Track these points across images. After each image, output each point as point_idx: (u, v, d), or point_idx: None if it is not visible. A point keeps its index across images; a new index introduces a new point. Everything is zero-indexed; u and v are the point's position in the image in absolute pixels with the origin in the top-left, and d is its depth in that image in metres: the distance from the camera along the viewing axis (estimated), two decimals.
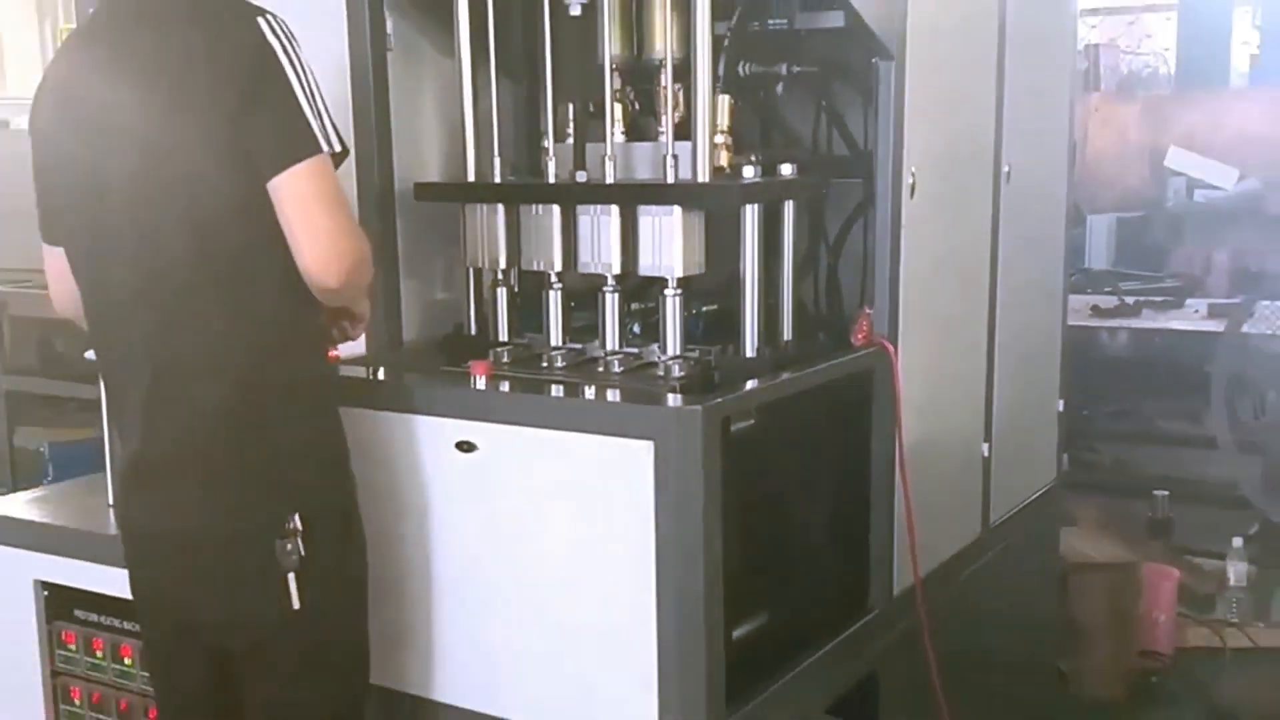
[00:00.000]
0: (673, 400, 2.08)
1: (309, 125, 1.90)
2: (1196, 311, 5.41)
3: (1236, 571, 4.49)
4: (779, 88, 2.62)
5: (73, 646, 2.60)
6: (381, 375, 2.31)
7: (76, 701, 2.61)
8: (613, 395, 2.17)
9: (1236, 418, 3.95)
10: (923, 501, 2.58)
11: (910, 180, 2.47)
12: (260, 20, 1.90)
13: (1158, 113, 8.97)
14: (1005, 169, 2.90)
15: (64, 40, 2.13)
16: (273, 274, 1.95)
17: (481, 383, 2.18)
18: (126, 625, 2.51)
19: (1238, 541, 4.51)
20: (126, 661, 2.52)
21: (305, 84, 1.91)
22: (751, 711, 2.18)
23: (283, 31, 1.91)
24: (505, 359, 2.38)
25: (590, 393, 2.16)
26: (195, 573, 2.02)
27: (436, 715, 2.30)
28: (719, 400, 2.04)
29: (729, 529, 2.09)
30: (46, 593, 2.61)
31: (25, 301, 5.55)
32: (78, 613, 2.58)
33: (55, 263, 2.12)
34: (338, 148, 1.95)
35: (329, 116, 1.95)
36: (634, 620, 2.04)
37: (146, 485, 2.04)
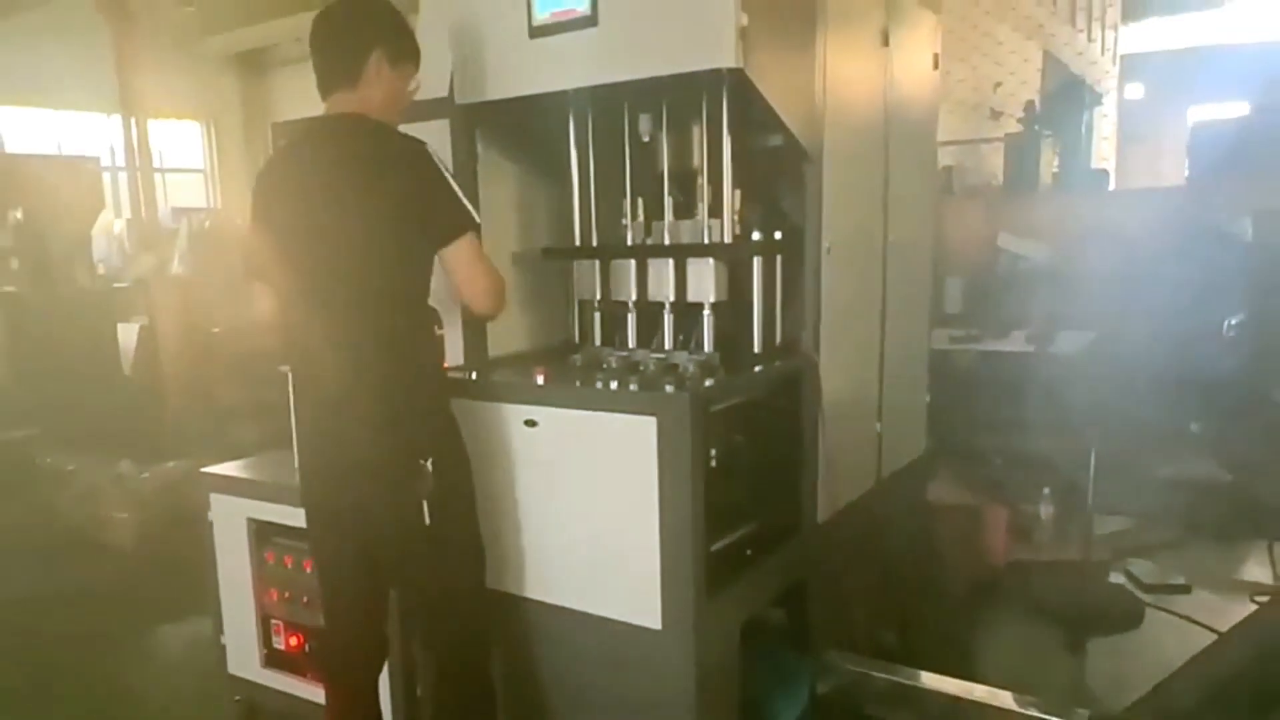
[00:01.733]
0: (670, 389, 2.08)
1: (466, 209, 1.95)
2: (1018, 338, 5.39)
3: (1046, 511, 4.46)
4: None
5: (271, 562, 2.60)
6: (474, 376, 2.31)
7: (274, 598, 2.62)
8: (629, 386, 2.17)
9: (1046, 409, 3.92)
10: (836, 459, 2.58)
11: (827, 245, 2.47)
12: (423, 146, 1.95)
13: (992, 208, 8.97)
14: (890, 238, 2.90)
15: (276, 149, 2.13)
16: (415, 305, 2.00)
17: (541, 380, 2.18)
18: (304, 546, 2.50)
19: (1046, 491, 4.49)
20: (306, 570, 2.52)
21: (454, 183, 1.97)
22: (724, 597, 2.17)
23: (438, 155, 1.97)
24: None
25: (614, 384, 2.17)
26: (359, 499, 2.00)
27: (518, 606, 2.29)
28: (702, 389, 2.05)
29: (710, 476, 2.11)
30: (255, 526, 2.61)
31: (234, 337, 5.56)
32: (275, 539, 2.59)
33: (261, 296, 2.12)
34: (478, 225, 2.00)
35: (470, 204, 1.99)
36: (644, 538, 2.06)
37: (327, 442, 2.03)
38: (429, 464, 1.95)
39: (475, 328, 2.46)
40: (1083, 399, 3.59)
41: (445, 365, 2.21)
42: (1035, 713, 2.39)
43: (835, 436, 2.56)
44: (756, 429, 2.46)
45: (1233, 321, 6.87)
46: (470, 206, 1.96)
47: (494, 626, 2.19)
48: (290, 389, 2.17)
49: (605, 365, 2.39)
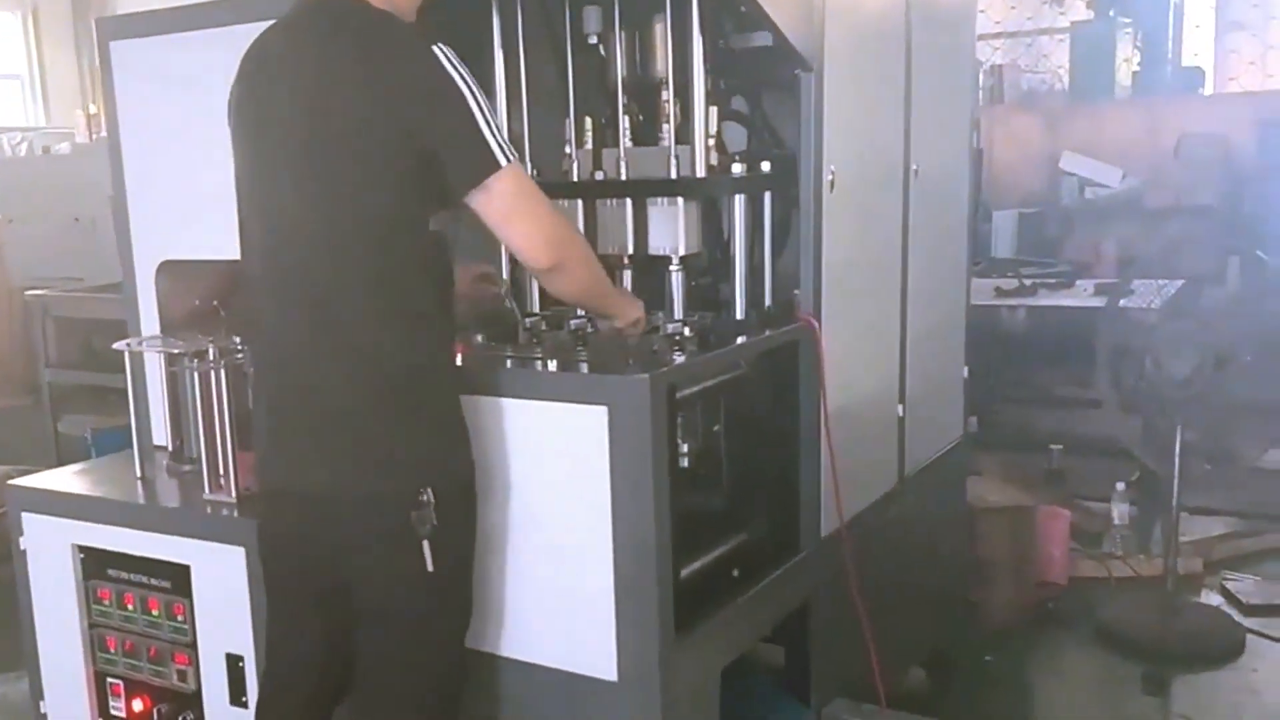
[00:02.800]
0: (627, 372, 2.07)
1: (488, 145, 1.86)
2: (1085, 290, 5.45)
3: (1120, 512, 4.53)
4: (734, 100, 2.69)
5: (107, 601, 2.56)
6: None
7: (111, 649, 2.58)
8: (572, 366, 2.17)
9: (1119, 382, 3.96)
10: (845, 454, 2.59)
11: (830, 177, 2.47)
12: (436, 50, 1.85)
13: (1053, 122, 9.02)
14: (914, 168, 2.90)
15: (263, 33, 2.02)
16: (411, 277, 1.92)
17: (459, 360, 2.16)
18: (153, 581, 2.47)
19: (1120, 486, 4.56)
20: (154, 613, 2.48)
21: (480, 105, 1.86)
22: (697, 637, 2.18)
23: (456, 59, 1.86)
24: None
25: (553, 365, 2.16)
26: (336, 533, 1.97)
27: None
28: (664, 370, 2.05)
29: (679, 475, 2.11)
30: (83, 555, 2.57)
31: (68, 304, 5.51)
32: (110, 571, 2.54)
33: None
34: (513, 159, 1.89)
35: (501, 132, 1.89)
36: (594, 564, 2.04)
37: (293, 452, 2.00)
38: (429, 494, 1.91)
39: None
40: (1167, 368, 3.63)
41: (458, 352, 2.13)
42: None
43: (844, 425, 2.57)
44: (741, 418, 2.46)
45: None
46: (499, 134, 1.87)
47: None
48: (251, 380, 2.14)
49: (546, 338, 2.37)
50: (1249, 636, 3.71)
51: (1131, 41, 10.19)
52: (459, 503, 1.99)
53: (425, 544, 1.90)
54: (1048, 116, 9.22)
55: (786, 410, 2.53)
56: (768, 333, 2.42)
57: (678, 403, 2.19)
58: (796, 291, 2.50)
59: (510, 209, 1.91)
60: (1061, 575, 3.99)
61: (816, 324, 2.48)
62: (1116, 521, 4.53)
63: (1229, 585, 4.07)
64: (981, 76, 9.60)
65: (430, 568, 1.91)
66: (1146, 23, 9.52)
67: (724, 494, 2.49)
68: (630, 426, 1.98)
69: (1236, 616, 3.85)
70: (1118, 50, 10.16)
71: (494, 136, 1.86)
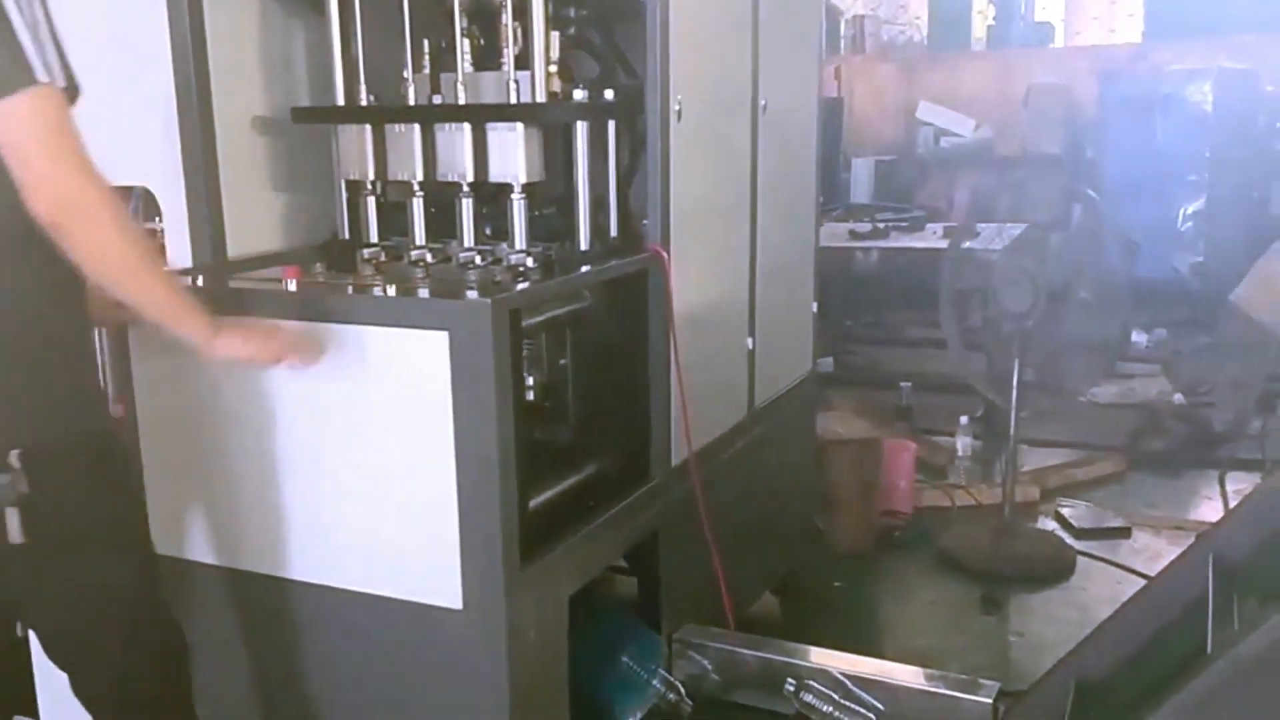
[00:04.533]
0: (468, 296, 2.04)
1: (22, 53, 1.57)
2: (934, 233, 5.60)
3: (963, 444, 4.71)
4: (571, 30, 2.65)
5: None
6: (201, 283, 2.19)
7: None
8: (413, 292, 2.12)
9: (962, 320, 4.09)
10: (696, 385, 2.61)
11: (677, 106, 2.46)
12: None
13: (911, 73, 9.21)
14: (762, 103, 2.91)
15: None
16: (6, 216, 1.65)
17: (293, 285, 2.09)
18: None
19: (964, 420, 4.73)
20: None
21: (25, 9, 1.59)
22: (545, 564, 2.18)
23: None
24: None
25: (393, 291, 2.11)
26: None
27: (274, 591, 2.23)
28: (506, 294, 2.02)
29: (526, 408, 2.09)
30: None
31: None
32: None
33: None
34: (60, 82, 1.61)
35: (57, 48, 1.61)
36: (439, 491, 2.02)
37: None
38: (16, 458, 1.69)
39: (213, 221, 2.34)
40: (1005, 303, 3.76)
41: (74, 308, 1.83)
42: (938, 689, 2.54)
43: (693, 356, 2.59)
44: (590, 348, 2.46)
45: (1189, 210, 7.37)
46: (46, 47, 1.60)
47: (184, 652, 2.05)
48: None
49: (386, 269, 2.32)
50: (1080, 558, 3.89)
51: None
52: (66, 467, 1.77)
53: (14, 512, 1.71)
54: (905, 67, 9.41)
55: (636, 341, 2.53)
56: (614, 263, 2.41)
57: (525, 332, 2.18)
58: (645, 221, 2.49)
59: (25, 136, 1.59)
60: (907, 504, 4.12)
61: (665, 254, 2.48)
62: (960, 454, 4.70)
63: (1062, 511, 4.27)
64: (843, 26, 9.73)
65: (14, 538, 1.72)
66: None
67: (574, 424, 2.48)
68: (472, 352, 1.95)
69: (1068, 540, 4.04)
70: (973, 4, 10.40)
71: (36, 47, 1.58)
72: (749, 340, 3.00)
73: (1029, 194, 6.79)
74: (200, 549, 2.28)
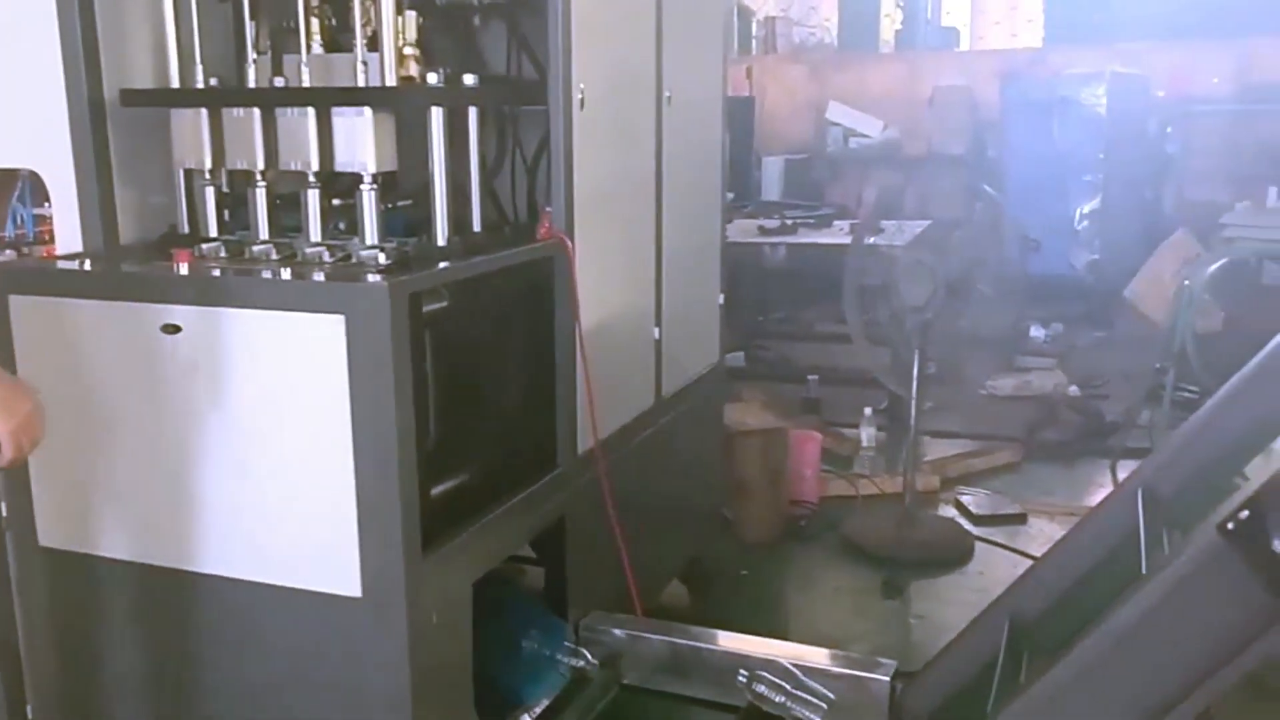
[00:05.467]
0: (366, 279, 2.00)
1: None
2: (841, 230, 5.67)
3: (867, 435, 4.77)
4: (475, 19, 2.62)
5: None
6: (89, 266, 2.12)
7: None
8: (308, 275, 2.07)
9: (867, 315, 4.15)
10: (602, 373, 2.60)
11: (580, 95, 2.45)
12: None
13: (821, 73, 9.32)
14: (667, 94, 2.92)
15: None
16: None
17: (184, 268, 2.04)
18: None
19: (868, 411, 4.80)
20: None
21: None
22: (448, 552, 2.16)
23: None
24: (218, 254, 2.22)
25: (286, 273, 2.06)
26: None
27: (163, 582, 2.17)
28: (405, 277, 1.99)
29: (430, 396, 2.06)
30: None
31: None
32: None
33: None
34: None
35: None
36: (336, 479, 1.98)
37: None
38: None
39: (103, 205, 2.26)
40: (905, 296, 3.82)
41: None
42: (838, 669, 2.57)
43: (600, 344, 2.58)
44: (492, 336, 2.43)
45: (1085, 210, 7.58)
46: None
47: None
48: None
49: (284, 250, 2.25)
50: (978, 544, 3.98)
51: (895, 0, 10.60)
52: None
53: None
54: (816, 68, 9.51)
55: (542, 328, 2.52)
56: (515, 251, 2.38)
57: (427, 317, 2.15)
58: (548, 209, 2.48)
59: None
60: (813, 494, 4.17)
61: (570, 242, 2.47)
62: (865, 444, 4.77)
63: (962, 499, 4.35)
64: (755, 26, 9.81)
65: None
66: None
67: (476, 412, 2.46)
68: (369, 336, 1.91)
69: (967, 526, 4.13)
70: (882, 6, 10.56)
71: None
72: (655, 330, 3.00)
73: (933, 192, 6.95)
74: (96, 543, 2.21)
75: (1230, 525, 1.44)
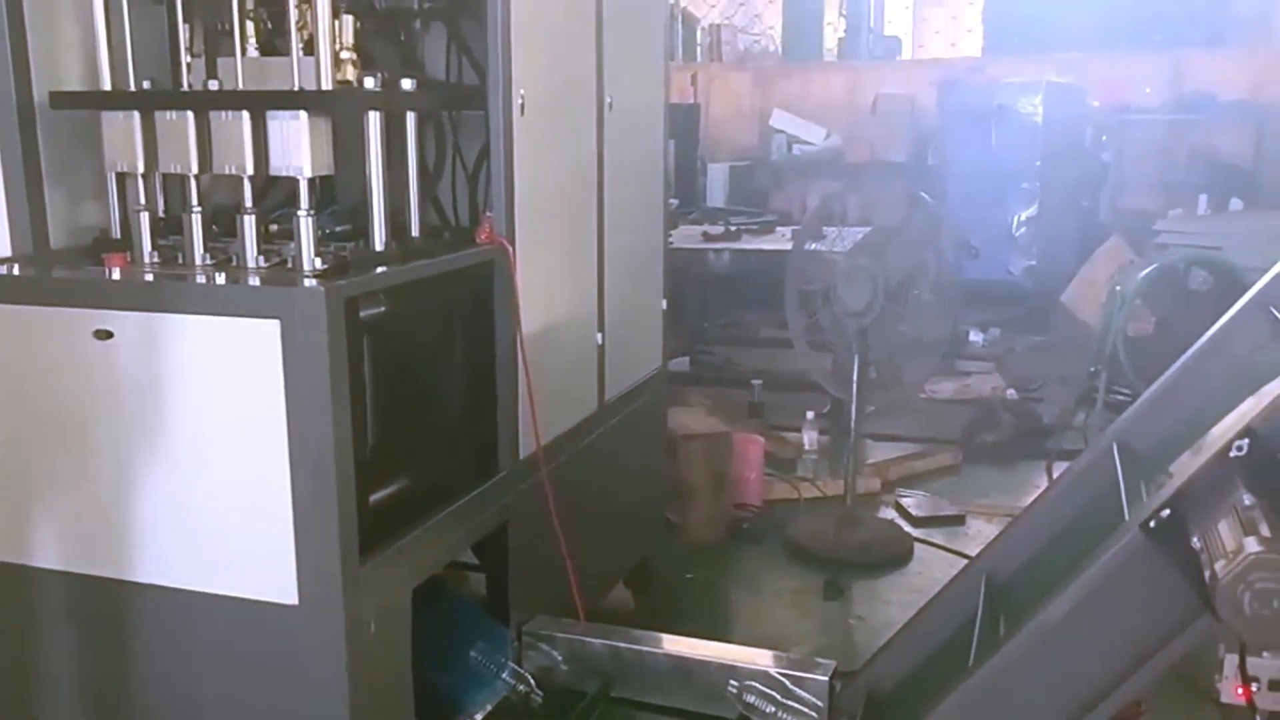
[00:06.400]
0: (302, 284, 1.98)
1: None
2: (784, 236, 5.72)
3: (810, 439, 4.81)
4: (416, 23, 2.60)
5: None
6: (18, 271, 2.08)
7: None
8: (243, 280, 2.05)
9: (809, 320, 4.18)
10: (545, 378, 2.59)
11: (520, 100, 2.44)
12: None
13: (765, 81, 9.39)
14: (608, 100, 2.92)
15: None
16: None
17: (116, 273, 2.00)
18: None
19: (810, 415, 4.84)
20: None
21: None
22: (386, 558, 2.13)
23: None
24: (152, 260, 2.20)
25: (220, 278, 2.03)
26: None
27: (95, 591, 2.13)
28: (341, 282, 1.97)
29: (368, 402, 2.03)
30: None
31: None
32: None
33: None
34: None
35: None
36: (272, 486, 1.95)
37: None
38: None
39: (32, 207, 2.22)
40: (845, 300, 3.85)
41: None
42: (778, 670, 2.58)
43: (541, 349, 2.57)
44: (433, 341, 2.41)
45: (1022, 217, 7.70)
46: None
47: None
48: None
49: (219, 254, 2.22)
50: (917, 545, 4.02)
51: (838, 9, 10.70)
52: None
53: None
54: (760, 76, 9.58)
55: (483, 332, 2.50)
56: (454, 256, 2.37)
57: (365, 322, 2.12)
58: (489, 213, 2.46)
59: None
60: (756, 497, 4.19)
61: (510, 247, 2.46)
62: (807, 448, 4.81)
63: (902, 501, 4.40)
64: (700, 34, 9.86)
65: None
66: None
67: (416, 418, 2.44)
68: (306, 341, 1.89)
69: (907, 528, 4.17)
70: (825, 16, 10.65)
71: None
72: (598, 335, 2.99)
73: (875, 199, 7.02)
74: (30, 553, 2.16)
75: (1153, 524, 1.47)
